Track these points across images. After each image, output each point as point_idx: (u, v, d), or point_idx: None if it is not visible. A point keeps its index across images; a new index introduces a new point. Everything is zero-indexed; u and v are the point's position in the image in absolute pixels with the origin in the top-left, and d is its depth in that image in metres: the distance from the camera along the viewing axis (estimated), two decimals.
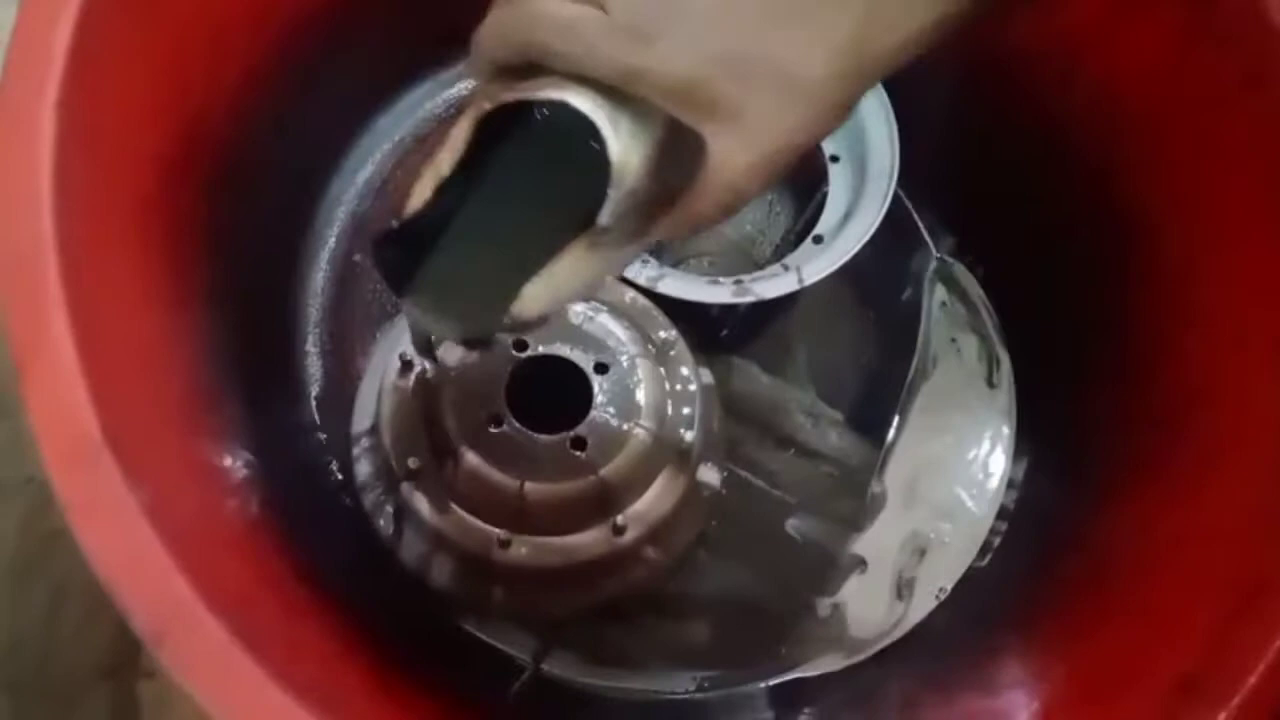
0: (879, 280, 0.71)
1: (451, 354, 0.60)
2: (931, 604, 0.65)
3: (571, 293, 0.38)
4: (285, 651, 0.41)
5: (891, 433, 0.68)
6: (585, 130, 0.35)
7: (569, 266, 0.37)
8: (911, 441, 0.68)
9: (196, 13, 0.52)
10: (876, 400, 0.70)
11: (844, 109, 0.36)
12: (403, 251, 0.38)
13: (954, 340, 0.72)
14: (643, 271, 0.64)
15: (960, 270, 0.73)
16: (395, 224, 0.37)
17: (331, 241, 0.70)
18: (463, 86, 0.74)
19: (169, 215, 0.50)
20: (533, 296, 0.37)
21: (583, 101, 0.35)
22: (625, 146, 0.35)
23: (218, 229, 0.54)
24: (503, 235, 0.37)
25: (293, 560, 0.50)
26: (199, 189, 0.53)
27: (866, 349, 0.72)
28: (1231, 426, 0.55)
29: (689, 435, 0.61)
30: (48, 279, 0.39)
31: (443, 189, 0.37)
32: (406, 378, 0.61)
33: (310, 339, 0.68)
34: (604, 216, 0.36)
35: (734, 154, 0.35)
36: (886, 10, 0.34)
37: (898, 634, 0.64)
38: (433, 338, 0.53)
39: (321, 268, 0.69)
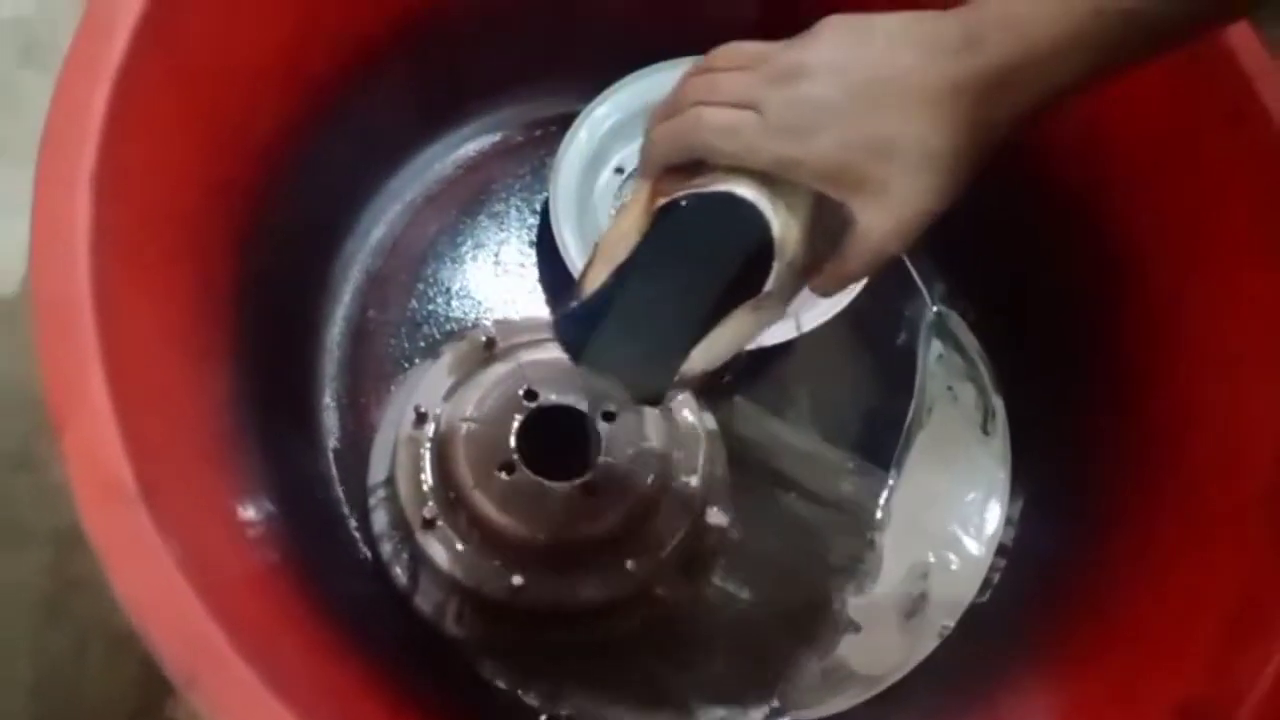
0: (875, 326, 0.74)
1: (464, 404, 0.62)
2: (935, 642, 0.66)
3: (732, 350, 0.44)
4: (310, 694, 0.42)
5: (891, 479, 0.70)
6: (743, 215, 0.40)
7: (734, 329, 0.43)
8: (911, 485, 0.70)
9: (226, 78, 0.54)
10: (876, 442, 0.71)
11: (970, 176, 0.41)
12: (580, 325, 0.42)
13: (950, 388, 0.74)
14: None
15: (955, 322, 0.75)
16: (576, 303, 0.42)
17: (346, 298, 0.72)
18: (469, 148, 0.77)
19: (196, 272, 0.52)
20: (700, 358, 0.43)
21: (748, 191, 0.40)
22: (784, 223, 0.41)
23: (240, 285, 0.56)
24: (671, 307, 0.42)
25: (313, 606, 0.52)
26: (224, 246, 0.55)
27: (864, 392, 0.73)
28: (1223, 451, 0.57)
29: (694, 480, 0.63)
30: (84, 335, 0.40)
31: (624, 272, 0.41)
32: (421, 429, 0.63)
33: (327, 392, 0.69)
34: (770, 285, 0.42)
35: (879, 222, 0.40)
36: (1004, 94, 0.39)
37: (902, 672, 0.65)
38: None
39: (337, 323, 0.71)
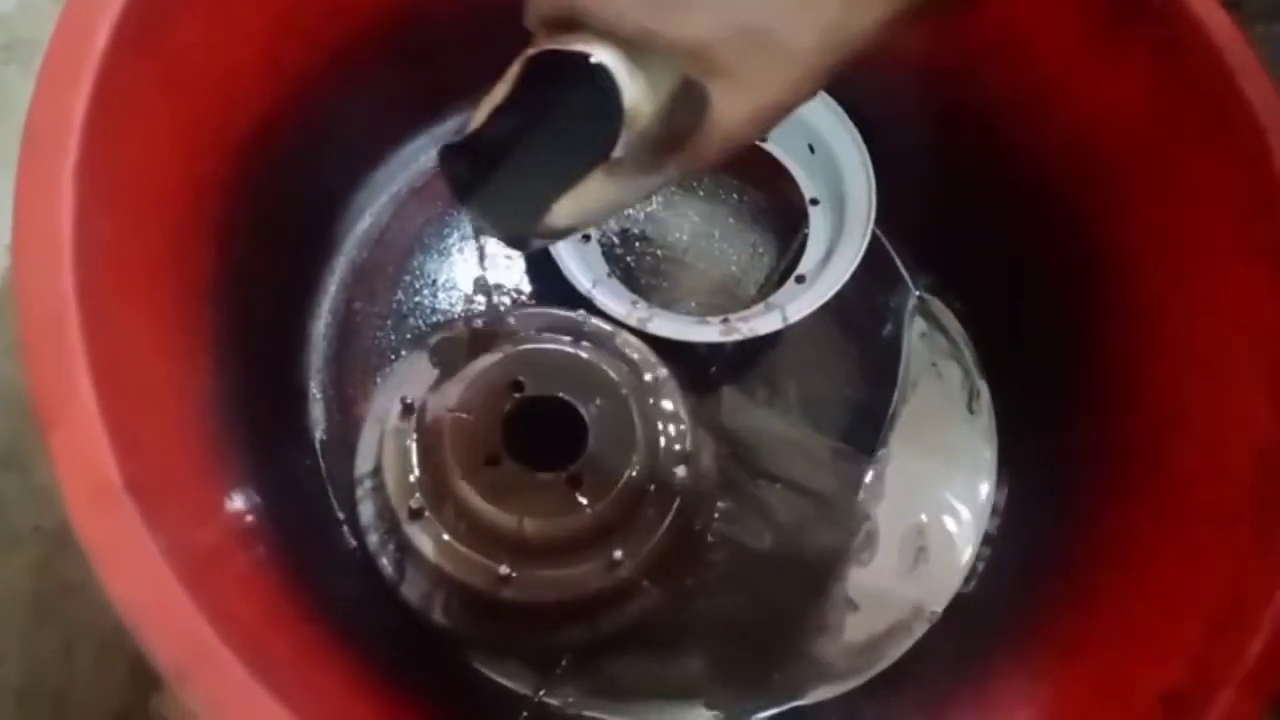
0: (860, 317, 0.74)
1: (450, 396, 0.62)
2: (924, 627, 0.67)
3: (593, 213, 0.45)
4: (300, 688, 0.42)
5: (877, 463, 0.70)
6: (599, 80, 0.41)
7: (591, 190, 0.44)
8: (898, 469, 0.71)
9: (208, 75, 0.54)
10: (863, 431, 0.72)
11: (825, 76, 0.41)
12: (463, 165, 0.44)
13: (935, 365, 0.74)
14: (633, 313, 0.66)
15: (938, 306, 0.76)
16: (459, 138, 0.43)
17: (332, 291, 0.72)
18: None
19: (180, 271, 0.52)
20: (561, 212, 0.44)
21: (605, 55, 0.41)
22: (639, 94, 0.42)
23: (225, 280, 0.56)
24: (541, 160, 0.44)
25: (302, 600, 0.52)
26: (208, 243, 0.55)
27: (851, 382, 0.74)
28: (1206, 450, 0.57)
29: (681, 471, 0.63)
30: (71, 336, 0.40)
31: (496, 116, 0.43)
32: (407, 421, 0.63)
33: (313, 385, 0.69)
34: (619, 151, 0.43)
35: (733, 106, 0.41)
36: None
37: (890, 660, 0.66)
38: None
39: (323, 316, 0.71)
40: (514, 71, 0.44)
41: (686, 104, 0.43)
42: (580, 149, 0.44)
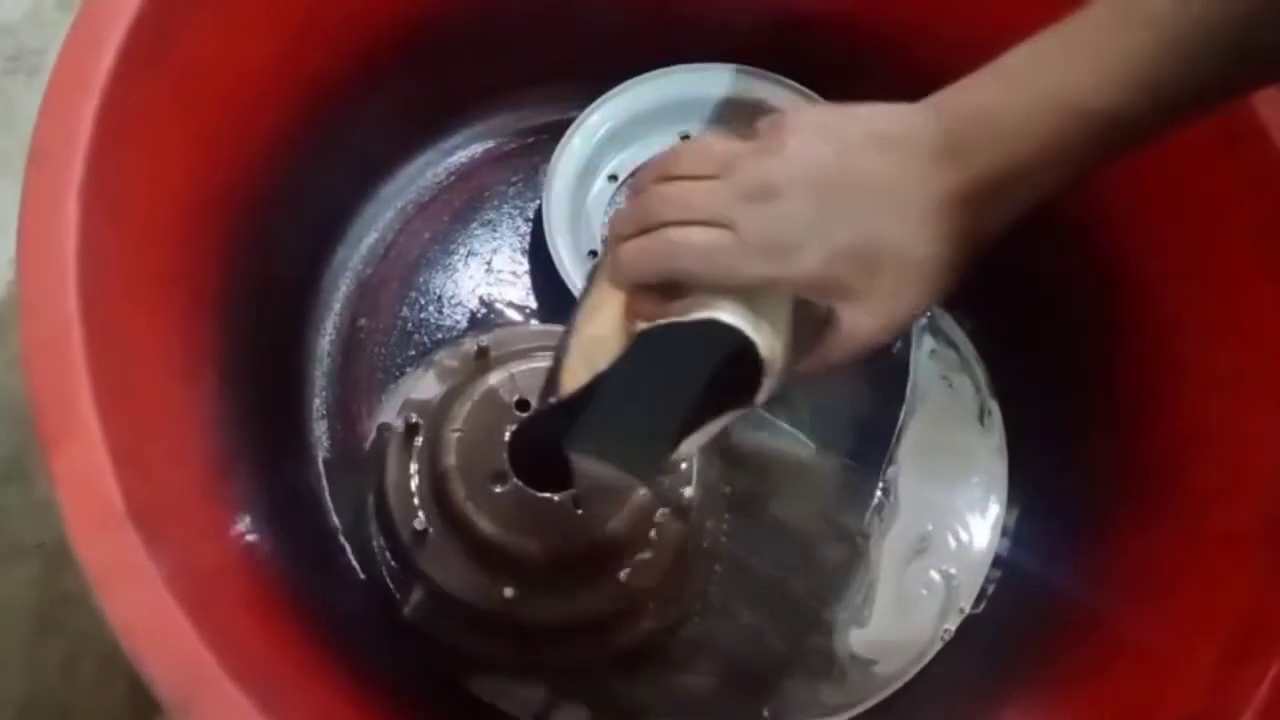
0: None
1: (455, 415, 0.61)
2: (937, 646, 0.66)
3: (714, 438, 0.45)
4: (303, 715, 0.42)
5: (886, 480, 0.70)
6: (725, 336, 0.40)
7: (719, 424, 0.44)
8: (908, 487, 0.70)
9: (218, 88, 0.54)
10: (873, 449, 0.71)
11: (958, 276, 0.41)
12: (559, 420, 0.43)
13: (945, 378, 0.74)
14: None
15: (949, 323, 0.75)
16: (555, 400, 0.42)
17: (337, 307, 0.71)
18: (462, 155, 0.76)
19: (186, 285, 0.51)
20: (687, 450, 0.44)
21: (730, 316, 0.40)
22: (769, 342, 0.41)
23: (231, 296, 0.56)
24: (651, 412, 0.43)
25: (305, 623, 0.51)
26: (214, 258, 0.54)
27: (861, 400, 0.73)
28: (1225, 471, 0.57)
29: (688, 490, 0.63)
30: (74, 355, 0.40)
31: (602, 382, 0.42)
32: (412, 440, 0.62)
33: (317, 404, 0.69)
34: (760, 398, 0.42)
35: (864, 322, 0.40)
36: (990, 205, 0.39)
37: (901, 682, 0.65)
38: None
39: (327, 333, 0.71)
40: (611, 328, 0.43)
41: (808, 321, 0.42)
42: (719, 402, 0.43)
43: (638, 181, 0.42)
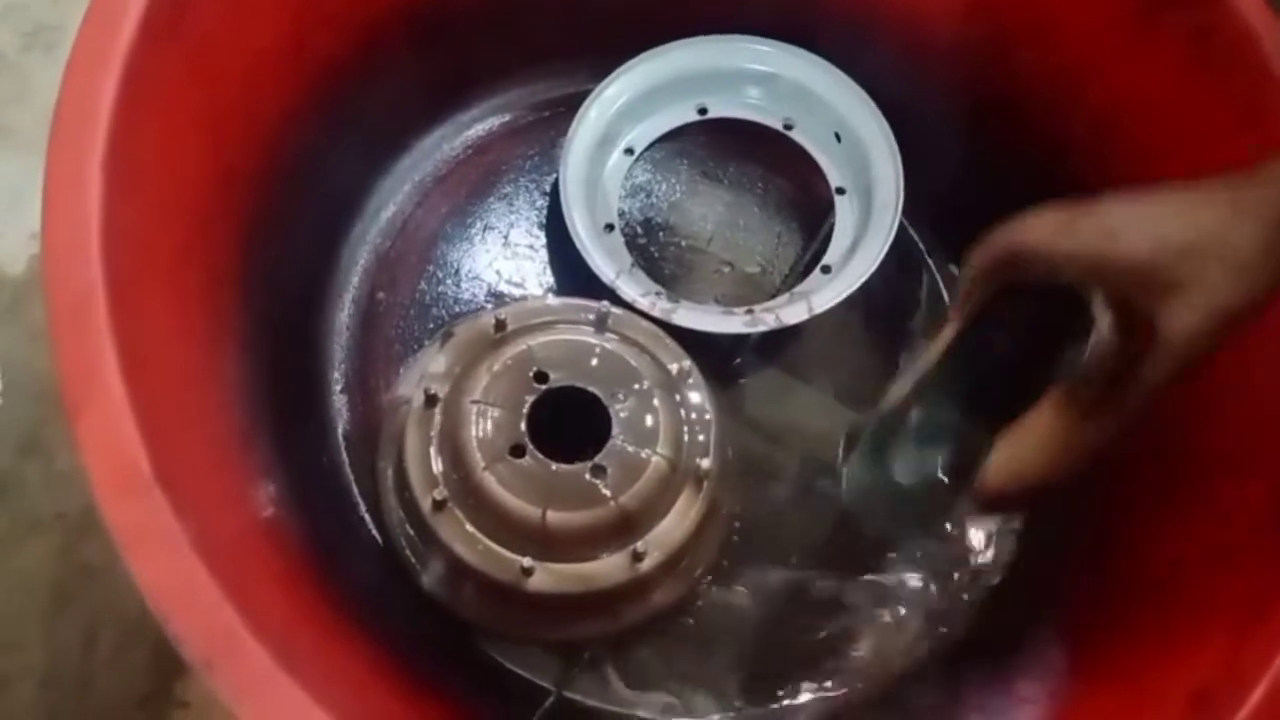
0: (887, 307, 0.73)
1: (474, 387, 0.62)
2: (949, 622, 0.66)
3: (1031, 465, 0.45)
4: (324, 677, 0.42)
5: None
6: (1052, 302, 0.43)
7: (1035, 435, 0.45)
8: None
9: (233, 62, 0.54)
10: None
11: (1271, 281, 0.41)
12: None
13: None
14: (657, 304, 0.66)
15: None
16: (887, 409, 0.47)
17: (355, 280, 0.72)
18: (478, 129, 0.76)
19: (206, 260, 0.52)
20: (1001, 463, 0.45)
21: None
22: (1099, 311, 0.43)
23: (250, 268, 0.56)
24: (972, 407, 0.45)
25: (325, 590, 0.52)
26: (233, 233, 0.55)
27: (877, 374, 0.73)
28: (1234, 448, 0.57)
29: (705, 462, 0.63)
30: (99, 324, 0.41)
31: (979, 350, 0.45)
32: (430, 412, 0.63)
33: (336, 375, 0.69)
34: (1085, 359, 0.44)
35: (1185, 322, 0.41)
36: None
37: (913, 658, 0.66)
38: None
39: (346, 306, 0.71)
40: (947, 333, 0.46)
41: (1124, 337, 0.43)
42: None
43: None
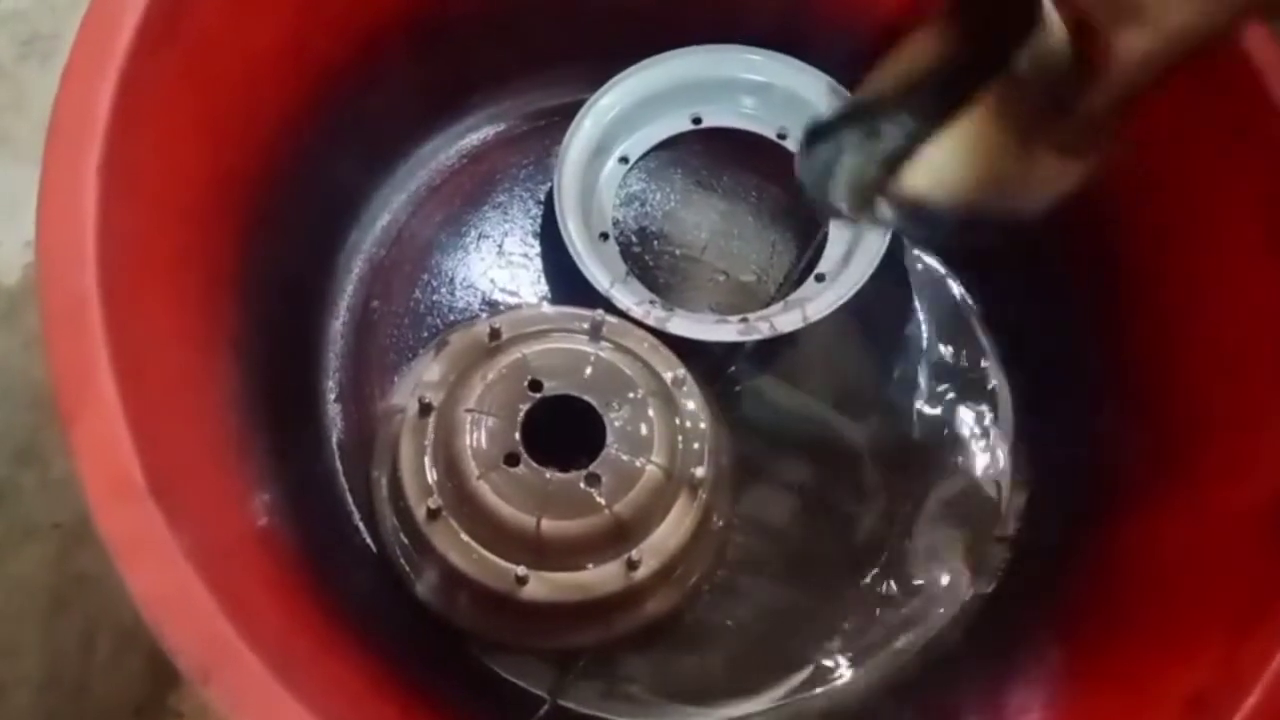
0: (881, 315, 0.73)
1: (468, 395, 0.62)
2: (941, 623, 0.67)
3: (958, 173, 0.43)
4: (319, 687, 0.42)
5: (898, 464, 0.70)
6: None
7: (960, 146, 0.43)
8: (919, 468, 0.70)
9: (232, 67, 0.54)
10: (886, 429, 0.71)
11: (1232, 6, 0.40)
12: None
13: None
14: (652, 312, 0.66)
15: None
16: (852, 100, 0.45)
17: (350, 288, 0.72)
18: (473, 138, 0.77)
19: (202, 266, 0.52)
20: (925, 170, 0.44)
21: None
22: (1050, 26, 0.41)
23: (246, 276, 0.56)
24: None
25: (320, 599, 0.52)
26: (230, 238, 0.55)
27: (871, 382, 0.73)
28: (1233, 450, 0.57)
29: (700, 470, 0.63)
30: (93, 330, 0.40)
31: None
32: (425, 420, 0.63)
33: (331, 384, 0.69)
34: (1022, 61, 0.41)
35: (1135, 45, 0.39)
36: None
37: (907, 656, 0.66)
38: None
39: (341, 315, 0.71)
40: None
41: (1076, 58, 0.41)
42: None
43: None
